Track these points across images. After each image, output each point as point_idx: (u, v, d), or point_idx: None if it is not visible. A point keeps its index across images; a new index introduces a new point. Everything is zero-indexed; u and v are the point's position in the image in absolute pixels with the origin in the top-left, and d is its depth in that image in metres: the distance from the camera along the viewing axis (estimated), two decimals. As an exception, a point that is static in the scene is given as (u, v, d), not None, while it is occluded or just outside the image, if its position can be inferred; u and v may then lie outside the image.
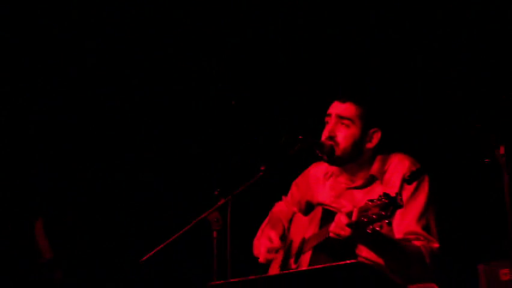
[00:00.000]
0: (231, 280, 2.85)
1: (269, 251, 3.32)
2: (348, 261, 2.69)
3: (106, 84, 5.26)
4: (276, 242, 3.32)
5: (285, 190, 3.77)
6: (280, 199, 3.76)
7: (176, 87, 5.28)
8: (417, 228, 3.09)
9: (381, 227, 2.79)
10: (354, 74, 4.51)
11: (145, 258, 3.09)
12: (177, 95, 5.25)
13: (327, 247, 3.07)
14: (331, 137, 3.19)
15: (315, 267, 2.97)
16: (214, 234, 2.99)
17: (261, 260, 3.42)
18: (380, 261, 3.04)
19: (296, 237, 3.34)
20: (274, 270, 3.36)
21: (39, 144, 5.25)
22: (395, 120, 3.71)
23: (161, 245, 3.06)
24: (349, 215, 2.82)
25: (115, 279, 4.91)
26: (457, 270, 3.78)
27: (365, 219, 2.75)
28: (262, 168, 3.07)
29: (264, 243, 3.33)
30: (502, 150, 2.81)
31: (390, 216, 2.73)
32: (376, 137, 3.23)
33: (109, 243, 5.06)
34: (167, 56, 5.16)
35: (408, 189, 3.13)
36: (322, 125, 3.27)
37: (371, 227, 2.78)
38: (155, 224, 4.68)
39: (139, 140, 5.32)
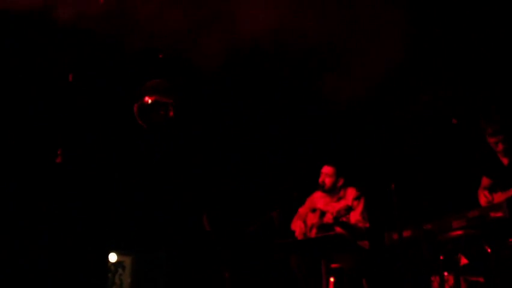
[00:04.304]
0: (285, 240, 5.29)
1: (301, 230, 5.82)
2: (331, 233, 5.09)
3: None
4: (303, 226, 5.85)
5: (303, 202, 6.20)
6: (301, 206, 6.17)
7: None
8: (360, 218, 5.61)
9: (346, 218, 5.39)
10: (332, 156, 6.68)
11: (251, 228, 5.55)
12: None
13: (322, 227, 5.61)
14: (323, 181, 5.87)
15: (318, 235, 5.47)
16: (276, 222, 5.47)
17: (297, 234, 5.82)
18: (345, 233, 5.42)
19: (309, 223, 5.90)
20: (300, 237, 5.75)
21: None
22: (349, 176, 5.97)
23: (258, 223, 5.54)
24: (332, 213, 5.43)
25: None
26: (372, 233, 5.50)
27: (339, 215, 5.35)
28: (296, 194, 5.71)
29: (298, 227, 5.85)
30: (392, 186, 4.62)
31: (348, 214, 5.43)
32: (341, 181, 5.88)
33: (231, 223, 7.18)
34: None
35: (356, 202, 5.70)
36: (318, 174, 6.04)
37: (342, 218, 5.38)
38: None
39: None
